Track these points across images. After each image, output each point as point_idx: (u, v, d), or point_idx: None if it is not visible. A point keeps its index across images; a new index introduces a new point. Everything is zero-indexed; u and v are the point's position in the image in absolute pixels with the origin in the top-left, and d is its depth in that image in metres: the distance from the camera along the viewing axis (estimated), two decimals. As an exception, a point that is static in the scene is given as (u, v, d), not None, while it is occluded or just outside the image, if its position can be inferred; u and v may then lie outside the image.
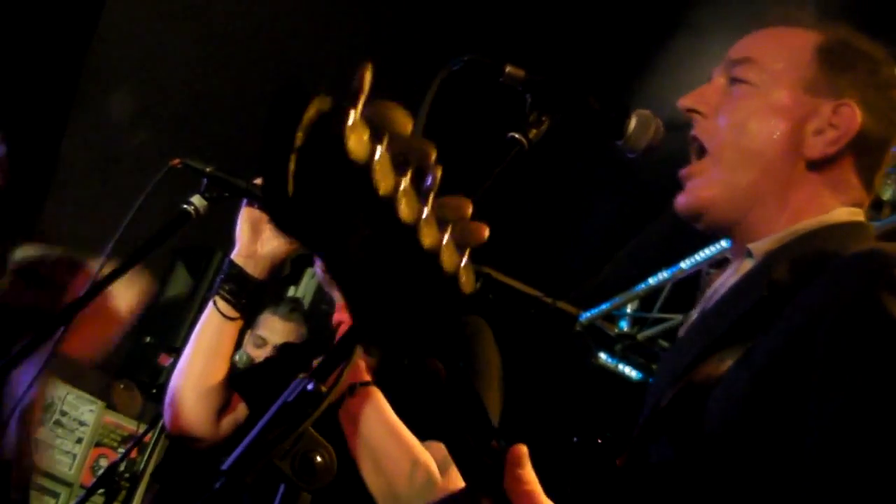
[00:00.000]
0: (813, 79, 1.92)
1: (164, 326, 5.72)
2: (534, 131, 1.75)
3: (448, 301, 1.17)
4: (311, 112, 1.04)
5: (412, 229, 1.09)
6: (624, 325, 8.54)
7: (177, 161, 2.74)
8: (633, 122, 1.86)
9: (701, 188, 1.95)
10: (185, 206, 2.70)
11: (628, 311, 8.43)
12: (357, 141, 1.03)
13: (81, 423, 8.35)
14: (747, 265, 1.90)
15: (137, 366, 5.76)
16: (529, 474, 1.43)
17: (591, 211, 7.29)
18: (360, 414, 2.18)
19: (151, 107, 6.97)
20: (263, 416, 1.44)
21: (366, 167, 1.04)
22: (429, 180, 1.12)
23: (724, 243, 7.22)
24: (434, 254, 1.12)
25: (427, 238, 1.11)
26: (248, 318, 2.84)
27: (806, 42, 1.95)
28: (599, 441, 1.73)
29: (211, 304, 2.77)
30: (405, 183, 1.09)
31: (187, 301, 5.76)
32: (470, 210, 1.17)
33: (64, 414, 8.26)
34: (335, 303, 2.90)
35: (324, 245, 1.12)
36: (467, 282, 1.17)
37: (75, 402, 8.30)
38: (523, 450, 1.44)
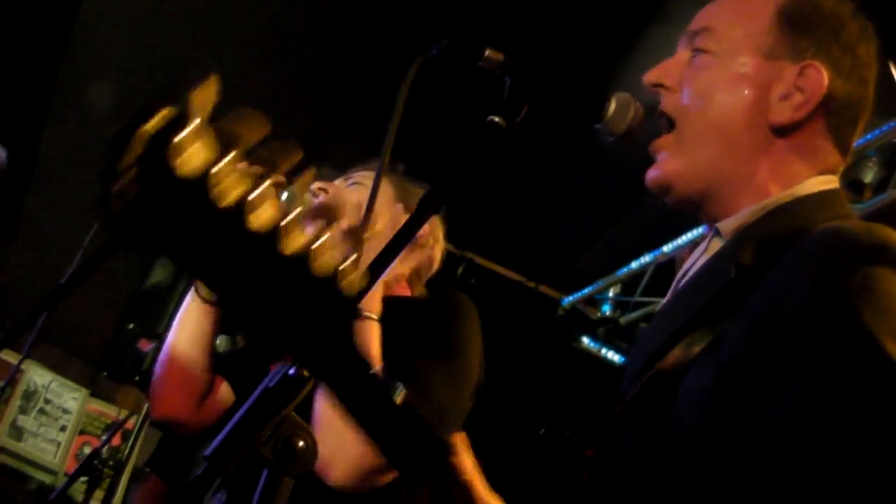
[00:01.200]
0: (774, 43, 1.89)
1: (147, 313, 5.71)
2: (513, 115, 1.75)
3: (325, 304, 1.16)
4: (142, 133, 1.03)
5: (271, 238, 1.08)
6: (606, 309, 8.55)
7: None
8: (612, 106, 1.85)
9: (667, 161, 1.92)
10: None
11: (610, 294, 8.44)
12: (187, 158, 1.02)
13: (65, 411, 8.34)
14: (717, 245, 1.88)
15: (120, 353, 5.75)
16: (466, 464, 1.43)
17: (573, 195, 7.30)
18: None
19: (131, 101, 6.94)
20: (245, 402, 1.44)
21: (202, 182, 1.02)
22: (299, 181, 1.12)
23: (705, 227, 7.25)
24: (303, 260, 1.11)
25: (293, 243, 1.11)
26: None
27: (765, 6, 1.92)
28: (568, 432, 1.73)
29: (192, 288, 2.77)
30: (259, 192, 1.07)
31: (170, 288, 5.74)
32: (297, 154, 1.19)
33: (48, 402, 8.24)
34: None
35: (183, 261, 1.10)
36: (352, 280, 1.16)
37: (59, 389, 8.28)
38: (460, 439, 1.43)
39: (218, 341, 2.85)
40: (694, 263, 1.92)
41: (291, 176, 1.11)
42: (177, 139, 1.02)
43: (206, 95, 1.06)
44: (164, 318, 5.55)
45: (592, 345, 8.72)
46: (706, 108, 1.88)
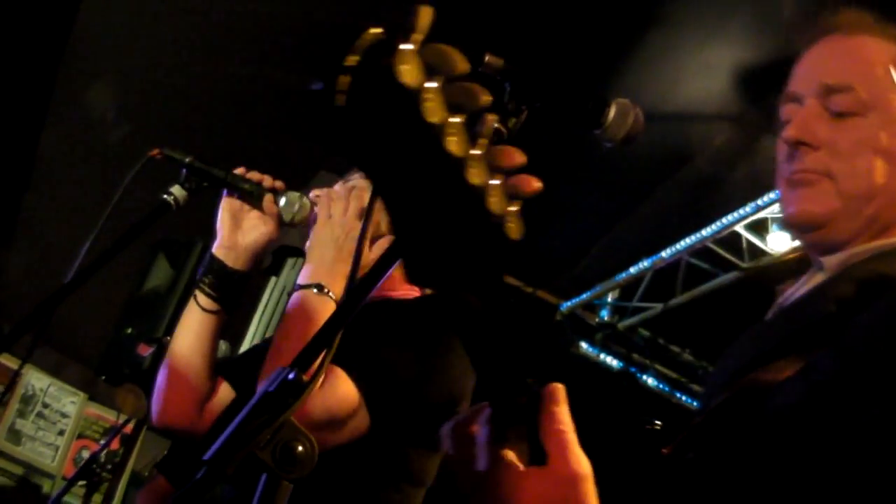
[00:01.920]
0: None
1: (145, 318, 5.69)
2: (513, 120, 1.75)
3: (492, 241, 1.19)
4: (365, 38, 1.11)
5: (460, 164, 1.12)
6: (604, 315, 8.57)
7: (156, 151, 2.73)
8: (611, 112, 1.85)
9: (828, 201, 1.86)
10: (165, 196, 2.69)
11: (609, 300, 8.46)
12: (409, 69, 1.08)
13: (63, 415, 8.35)
14: (819, 278, 1.87)
15: (118, 357, 5.75)
16: (563, 414, 1.42)
17: (572, 200, 7.30)
18: None
19: (131, 100, 6.95)
20: (245, 406, 1.44)
21: (416, 94, 1.08)
22: (481, 126, 1.15)
23: (704, 232, 7.25)
24: (481, 193, 1.14)
25: (475, 177, 1.13)
26: (230, 310, 2.83)
27: (883, 54, 1.90)
28: (650, 427, 1.73)
29: (192, 297, 2.77)
30: (456, 120, 1.12)
31: (168, 292, 5.73)
32: (522, 160, 1.20)
33: (46, 406, 8.25)
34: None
35: (368, 164, 1.19)
36: (514, 228, 1.19)
37: (57, 393, 8.30)
38: (559, 388, 1.42)
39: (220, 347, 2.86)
40: (794, 293, 1.90)
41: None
42: (402, 47, 1.10)
43: (426, 17, 1.13)
44: (162, 322, 5.54)
45: (591, 350, 8.74)
46: (870, 171, 1.84)
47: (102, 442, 7.31)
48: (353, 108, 1.11)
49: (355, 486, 2.44)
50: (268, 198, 2.74)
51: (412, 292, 2.69)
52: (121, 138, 6.88)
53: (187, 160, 2.74)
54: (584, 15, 6.00)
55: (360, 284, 1.58)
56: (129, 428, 5.69)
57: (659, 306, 8.05)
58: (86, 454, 8.33)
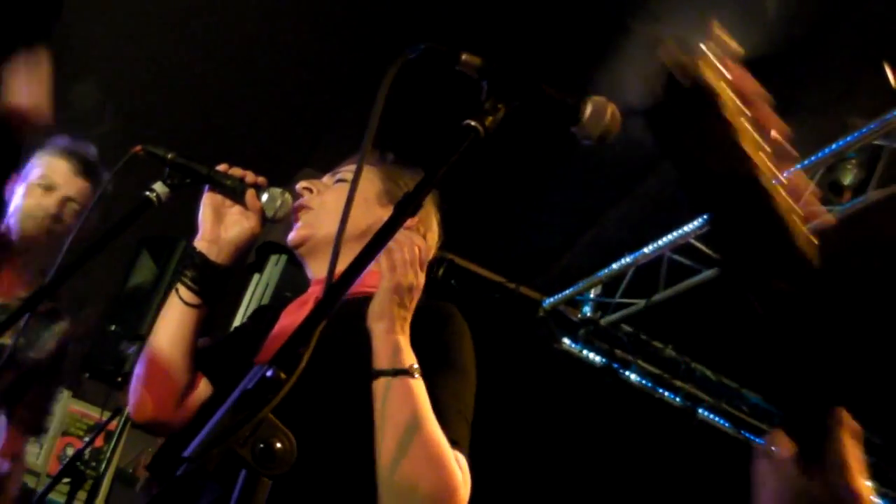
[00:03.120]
0: None
1: (129, 315, 5.69)
2: (490, 118, 1.76)
3: (799, 264, 1.35)
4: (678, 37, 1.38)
5: (752, 164, 1.31)
6: (587, 310, 8.58)
7: (139, 148, 2.72)
8: (588, 109, 1.86)
9: None
10: (147, 192, 2.69)
11: (591, 296, 8.47)
12: (711, 73, 1.33)
13: (47, 412, 8.33)
14: None
15: (102, 354, 5.73)
16: (848, 437, 1.47)
17: (554, 196, 7.32)
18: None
19: (115, 97, 6.93)
20: (224, 403, 1.45)
21: (716, 96, 1.30)
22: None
23: (686, 228, 7.27)
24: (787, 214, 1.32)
25: (765, 175, 1.31)
26: (212, 305, 2.81)
27: None
28: None
29: (174, 291, 2.76)
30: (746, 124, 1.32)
31: (151, 289, 5.73)
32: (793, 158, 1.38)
33: (29, 403, 8.23)
34: (302, 287, 2.88)
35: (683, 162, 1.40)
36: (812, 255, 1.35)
37: (41, 391, 8.27)
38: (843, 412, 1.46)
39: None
40: None
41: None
42: (708, 50, 1.35)
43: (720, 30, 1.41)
44: (146, 319, 5.54)
45: (573, 346, 8.75)
46: None
47: (87, 439, 7.31)
48: (668, 106, 1.33)
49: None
50: (250, 193, 2.73)
51: None
52: (104, 135, 6.87)
53: (169, 156, 2.73)
54: (568, 10, 6.01)
55: (341, 280, 1.58)
56: (113, 425, 5.68)
57: (642, 302, 8.07)
58: (70, 451, 8.32)
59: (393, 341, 2.27)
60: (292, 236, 2.75)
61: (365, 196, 2.72)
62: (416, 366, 2.23)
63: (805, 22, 5.84)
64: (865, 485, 1.46)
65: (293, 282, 5.78)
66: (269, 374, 1.45)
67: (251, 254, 5.13)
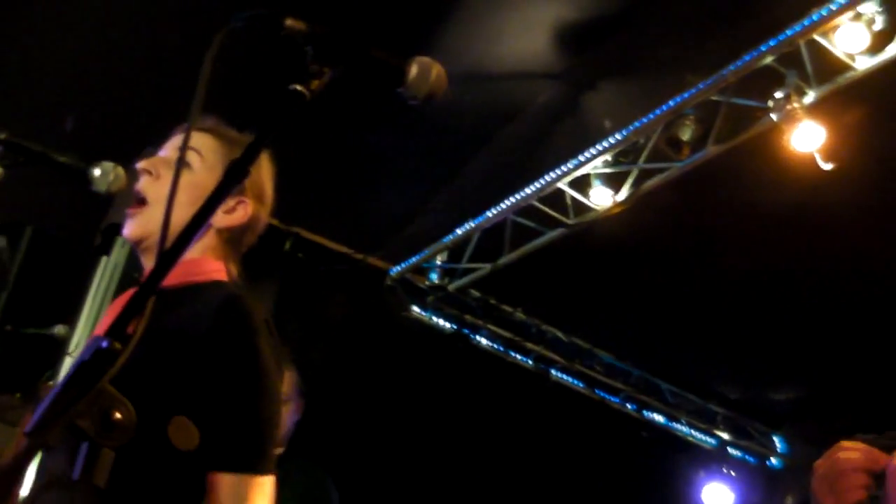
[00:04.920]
0: None
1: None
2: (315, 82, 1.79)
3: None
4: None
5: None
6: (434, 277, 8.63)
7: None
8: (413, 70, 1.91)
9: None
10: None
11: (438, 262, 8.52)
12: None
13: None
14: None
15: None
16: None
17: (396, 166, 7.35)
18: None
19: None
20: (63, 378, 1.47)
21: None
22: None
23: (527, 190, 7.38)
24: None
25: None
26: None
27: None
28: None
29: None
30: None
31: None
32: None
33: None
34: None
35: None
36: None
37: None
38: None
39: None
40: None
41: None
42: None
43: None
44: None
45: (423, 313, 8.80)
46: None
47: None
48: None
49: None
50: None
51: (218, 274, 2.66)
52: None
53: (2, 136, 2.70)
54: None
55: (169, 252, 1.61)
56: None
57: (488, 266, 8.15)
58: None
59: None
60: (127, 232, 2.73)
61: (210, 165, 2.71)
62: None
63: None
64: None
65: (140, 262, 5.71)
66: (104, 344, 1.46)
67: (97, 236, 5.07)
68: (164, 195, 2.68)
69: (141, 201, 2.67)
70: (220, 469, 2.35)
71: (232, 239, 2.70)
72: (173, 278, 1.65)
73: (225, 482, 2.33)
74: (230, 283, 2.62)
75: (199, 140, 2.71)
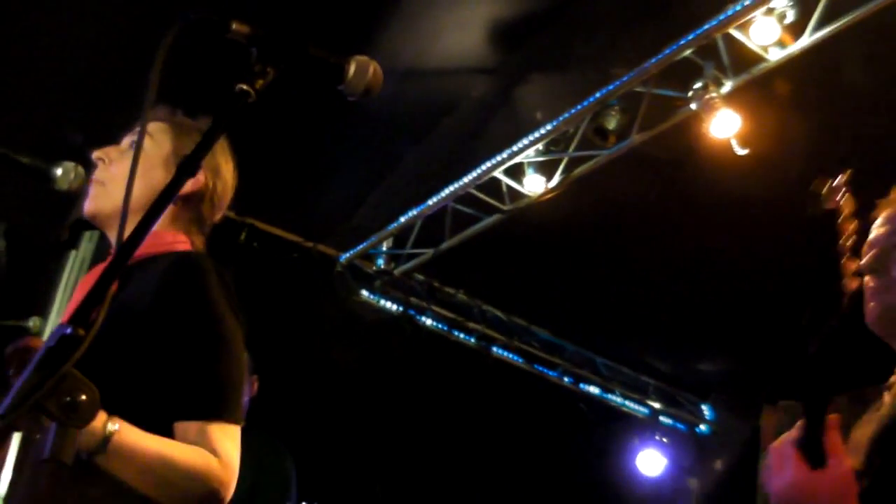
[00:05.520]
0: None
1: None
2: (260, 81, 1.81)
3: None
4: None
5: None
6: (381, 263, 8.67)
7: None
8: (352, 68, 1.93)
9: None
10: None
11: (384, 248, 8.56)
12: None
13: None
14: None
15: None
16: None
17: (342, 157, 7.36)
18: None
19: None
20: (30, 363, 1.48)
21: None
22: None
23: (465, 179, 7.42)
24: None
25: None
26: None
27: None
28: None
29: None
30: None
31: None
32: None
33: None
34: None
35: None
36: None
37: None
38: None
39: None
40: None
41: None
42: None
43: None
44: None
45: (372, 297, 8.86)
46: None
47: None
48: None
49: None
50: None
51: (182, 245, 2.66)
52: None
53: (-41, 135, 2.68)
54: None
55: (128, 241, 1.62)
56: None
57: (430, 251, 8.19)
58: None
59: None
60: (84, 210, 2.74)
61: (162, 155, 2.72)
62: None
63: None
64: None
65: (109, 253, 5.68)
66: (68, 331, 1.48)
67: (64, 231, 5.03)
68: (116, 175, 2.71)
69: (92, 181, 2.69)
70: (183, 418, 2.33)
71: (189, 207, 2.70)
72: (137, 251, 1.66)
73: (190, 429, 2.31)
74: (192, 251, 2.63)
75: (151, 125, 2.73)
